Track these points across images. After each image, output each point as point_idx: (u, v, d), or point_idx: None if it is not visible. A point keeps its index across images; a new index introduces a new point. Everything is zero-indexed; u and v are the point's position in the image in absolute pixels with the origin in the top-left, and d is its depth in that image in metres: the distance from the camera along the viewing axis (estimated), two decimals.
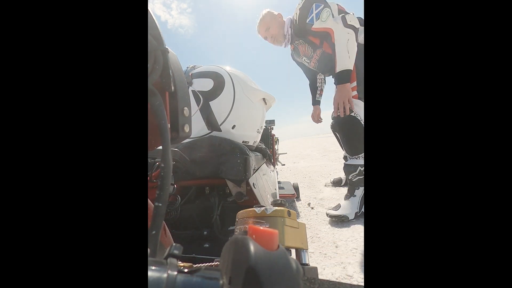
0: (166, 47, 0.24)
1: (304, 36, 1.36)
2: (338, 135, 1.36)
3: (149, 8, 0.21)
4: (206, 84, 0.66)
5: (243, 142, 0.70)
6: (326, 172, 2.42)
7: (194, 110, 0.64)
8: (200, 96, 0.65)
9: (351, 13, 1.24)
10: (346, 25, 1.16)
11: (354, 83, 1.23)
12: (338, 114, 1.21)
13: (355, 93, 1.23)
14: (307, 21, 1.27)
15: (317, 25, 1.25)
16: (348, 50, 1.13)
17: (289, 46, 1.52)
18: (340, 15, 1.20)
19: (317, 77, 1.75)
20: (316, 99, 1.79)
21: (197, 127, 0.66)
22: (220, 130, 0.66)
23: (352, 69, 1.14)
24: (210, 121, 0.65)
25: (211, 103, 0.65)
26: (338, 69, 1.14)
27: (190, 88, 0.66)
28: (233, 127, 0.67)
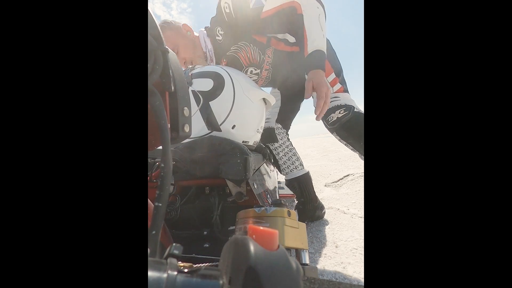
0: (166, 47, 0.24)
1: (247, 35, 0.91)
2: (349, 141, 0.97)
3: (149, 8, 0.21)
4: (206, 84, 0.66)
5: (243, 142, 0.70)
6: (326, 172, 2.42)
7: (194, 110, 0.64)
8: (200, 96, 0.65)
9: None
10: None
11: (333, 75, 0.96)
12: (338, 117, 0.91)
13: (339, 85, 0.96)
14: (251, 6, 0.84)
15: (270, 4, 0.83)
16: (321, 26, 0.79)
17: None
18: None
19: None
20: None
21: (197, 127, 0.66)
22: (220, 130, 0.66)
23: (325, 52, 0.80)
24: (210, 121, 0.65)
25: (211, 103, 0.65)
26: (310, 50, 0.78)
27: (190, 88, 0.66)
28: (233, 127, 0.67)
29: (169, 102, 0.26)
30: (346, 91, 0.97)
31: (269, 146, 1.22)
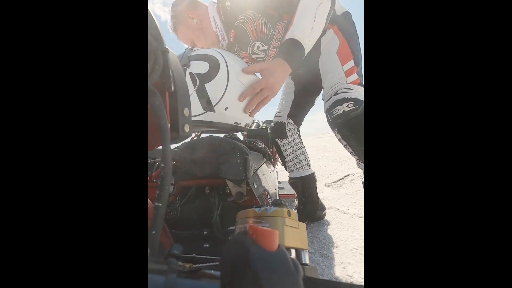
0: (166, 47, 0.24)
1: (255, 3, 0.81)
2: (350, 142, 0.84)
3: (149, 8, 0.21)
4: (202, 67, 0.68)
5: (235, 123, 0.72)
6: (326, 172, 2.42)
7: (191, 91, 0.66)
8: (196, 78, 0.67)
9: None
10: None
11: (352, 63, 0.84)
12: (345, 110, 0.77)
13: (355, 76, 0.83)
14: None
15: None
16: (315, 16, 0.67)
17: (226, 42, 0.92)
18: None
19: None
20: None
21: (193, 107, 0.68)
22: (214, 111, 0.67)
23: (306, 48, 0.67)
24: (205, 102, 0.67)
25: (206, 85, 0.66)
26: (287, 36, 0.67)
27: (188, 70, 0.67)
28: (226, 108, 0.68)
29: (169, 102, 0.26)
30: (361, 84, 0.83)
31: (277, 141, 1.16)
